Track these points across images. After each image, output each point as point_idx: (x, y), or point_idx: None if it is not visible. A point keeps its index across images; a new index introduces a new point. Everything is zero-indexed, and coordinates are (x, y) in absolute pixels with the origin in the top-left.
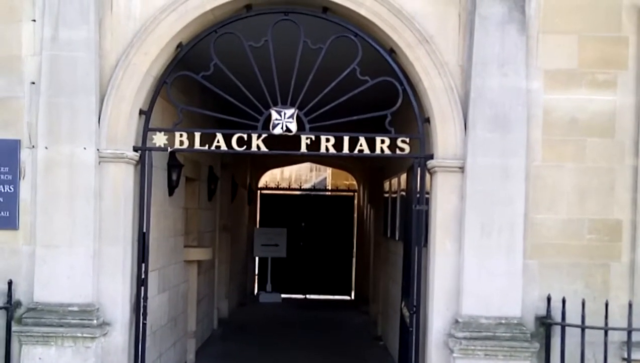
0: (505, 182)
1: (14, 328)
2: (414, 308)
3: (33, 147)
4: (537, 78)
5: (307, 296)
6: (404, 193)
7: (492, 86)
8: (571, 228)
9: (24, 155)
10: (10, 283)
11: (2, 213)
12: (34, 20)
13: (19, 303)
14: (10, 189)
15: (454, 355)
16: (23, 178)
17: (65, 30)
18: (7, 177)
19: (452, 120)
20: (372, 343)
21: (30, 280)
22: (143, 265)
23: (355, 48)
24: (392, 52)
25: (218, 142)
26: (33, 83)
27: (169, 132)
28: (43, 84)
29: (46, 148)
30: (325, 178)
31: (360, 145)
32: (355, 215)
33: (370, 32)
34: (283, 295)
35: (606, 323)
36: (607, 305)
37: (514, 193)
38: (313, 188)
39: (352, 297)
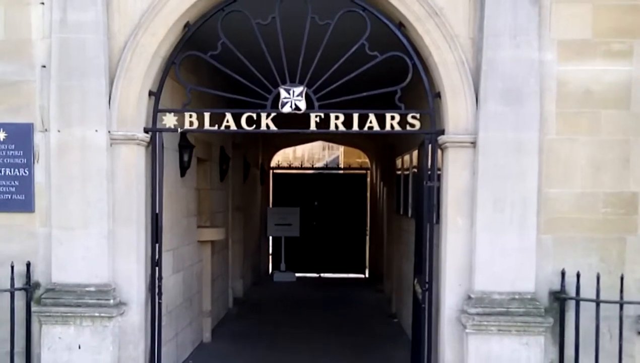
0: (518, 156)
1: (33, 308)
2: (427, 285)
3: (46, 130)
4: (550, 49)
5: (321, 275)
6: (415, 170)
7: (504, 58)
8: (586, 202)
9: (38, 138)
10: (28, 264)
11: (18, 196)
12: (43, 3)
13: (37, 284)
14: (25, 173)
15: (467, 330)
16: (37, 161)
17: (73, 13)
18: (21, 160)
19: (463, 94)
20: (386, 321)
21: (47, 262)
22: (157, 245)
23: (364, 23)
24: (401, 25)
25: (227, 121)
26: (44, 66)
27: (179, 112)
28: (53, 67)
29: (59, 131)
30: (338, 156)
31: (370, 122)
32: (368, 193)
33: (379, 6)
34: (297, 274)
35: (621, 297)
36: (622, 279)
37: (527, 167)
38: (325, 167)
39: (366, 275)
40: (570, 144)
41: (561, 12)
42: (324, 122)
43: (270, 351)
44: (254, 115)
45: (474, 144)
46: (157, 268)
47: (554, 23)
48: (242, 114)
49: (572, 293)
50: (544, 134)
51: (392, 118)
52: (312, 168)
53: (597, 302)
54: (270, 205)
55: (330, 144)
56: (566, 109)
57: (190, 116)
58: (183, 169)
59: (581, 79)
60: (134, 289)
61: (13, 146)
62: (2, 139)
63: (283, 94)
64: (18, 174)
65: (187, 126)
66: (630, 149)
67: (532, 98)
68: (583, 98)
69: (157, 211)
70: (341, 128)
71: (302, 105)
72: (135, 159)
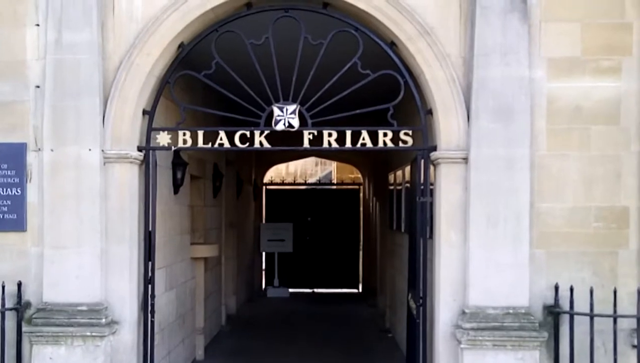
0: (510, 172)
1: (24, 328)
2: (421, 300)
3: (39, 149)
4: (540, 67)
5: (315, 290)
6: (408, 185)
7: (495, 76)
8: (578, 216)
9: (31, 158)
10: (19, 284)
11: (10, 215)
12: (38, 25)
13: (28, 304)
14: (17, 192)
15: (462, 346)
16: (30, 181)
17: (68, 34)
18: (14, 180)
19: (454, 111)
20: (380, 336)
21: (39, 281)
22: (150, 263)
23: (356, 42)
24: (393, 45)
25: (221, 139)
26: (38, 87)
27: (173, 131)
28: (47, 87)
29: (52, 150)
30: (331, 172)
31: (363, 139)
32: (361, 208)
33: (371, 26)
34: (291, 290)
35: (615, 311)
36: (615, 292)
37: (519, 183)
38: (318, 183)
39: (360, 290)
40: (561, 159)
41: (550, 30)
42: (317, 139)
43: None
44: (248, 133)
45: (466, 159)
46: (149, 286)
47: (544, 41)
48: (235, 131)
49: (566, 308)
50: (535, 149)
51: (385, 135)
52: (305, 184)
53: (591, 316)
54: (264, 221)
55: (323, 160)
56: (557, 125)
57: (184, 134)
58: (176, 186)
59: (571, 95)
60: (127, 308)
61: (6, 166)
62: None
63: (276, 111)
64: (10, 193)
65: (180, 144)
66: (620, 164)
67: (523, 115)
68: (573, 114)
69: (150, 229)
70: (334, 145)
71: (295, 122)
72: (128, 177)
